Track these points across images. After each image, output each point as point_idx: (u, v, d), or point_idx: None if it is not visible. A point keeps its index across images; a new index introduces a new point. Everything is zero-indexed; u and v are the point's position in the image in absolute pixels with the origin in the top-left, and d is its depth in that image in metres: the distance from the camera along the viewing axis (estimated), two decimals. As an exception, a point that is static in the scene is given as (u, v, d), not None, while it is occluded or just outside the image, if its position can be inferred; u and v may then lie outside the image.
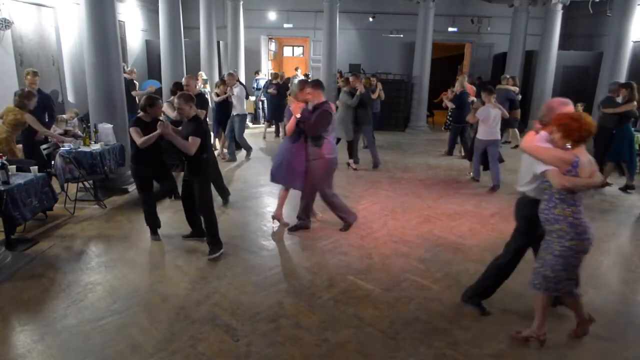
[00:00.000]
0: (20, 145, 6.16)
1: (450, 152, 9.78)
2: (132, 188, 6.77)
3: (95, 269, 4.31)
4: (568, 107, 3.29)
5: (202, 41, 12.34)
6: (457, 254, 4.80)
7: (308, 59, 16.23)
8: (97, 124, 6.41)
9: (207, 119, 6.56)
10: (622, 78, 9.72)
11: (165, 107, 5.98)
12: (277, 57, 18.69)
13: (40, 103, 6.30)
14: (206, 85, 10.72)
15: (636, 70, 10.78)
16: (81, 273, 4.21)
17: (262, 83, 13.39)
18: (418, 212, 6.09)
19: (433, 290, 4.04)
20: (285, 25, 14.98)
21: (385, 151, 9.74)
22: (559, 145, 3.02)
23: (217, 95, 8.76)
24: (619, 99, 7.21)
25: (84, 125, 6.69)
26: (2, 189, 4.38)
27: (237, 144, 9.10)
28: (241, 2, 13.42)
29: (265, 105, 12.61)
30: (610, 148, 7.21)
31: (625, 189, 7.34)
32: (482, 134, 7.35)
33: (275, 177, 5.26)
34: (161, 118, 4.85)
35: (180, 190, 4.90)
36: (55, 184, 5.63)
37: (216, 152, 8.28)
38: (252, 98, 13.20)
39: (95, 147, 6.11)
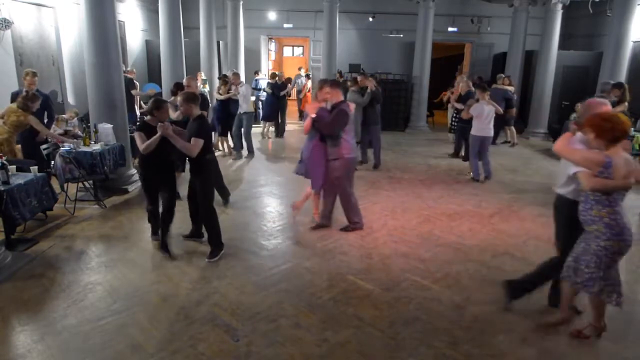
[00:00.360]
0: (19, 145, 6.17)
1: (457, 154, 9.59)
2: (132, 188, 6.78)
3: (95, 269, 4.31)
4: (605, 107, 3.26)
5: (202, 41, 12.34)
6: (457, 254, 4.80)
7: (308, 59, 16.23)
8: (97, 124, 6.41)
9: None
10: (622, 78, 9.72)
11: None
12: (277, 57, 18.70)
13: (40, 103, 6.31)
14: (205, 85, 10.73)
15: (636, 70, 10.77)
16: (81, 273, 4.21)
17: (261, 83, 13.42)
18: (418, 212, 6.09)
19: (433, 290, 4.04)
20: (285, 25, 14.98)
21: (385, 151, 9.73)
22: (593, 145, 3.00)
23: (220, 94, 8.85)
24: (612, 99, 7.25)
25: (84, 125, 6.70)
26: (2, 189, 4.38)
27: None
28: (241, 2, 13.42)
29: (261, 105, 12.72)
30: None
31: None
32: (476, 130, 7.63)
33: (299, 171, 5.37)
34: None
35: (179, 191, 4.89)
36: (55, 184, 5.63)
37: (217, 152, 8.29)
38: (252, 98, 13.19)
39: (95, 147, 6.11)
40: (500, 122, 10.89)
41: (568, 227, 3.39)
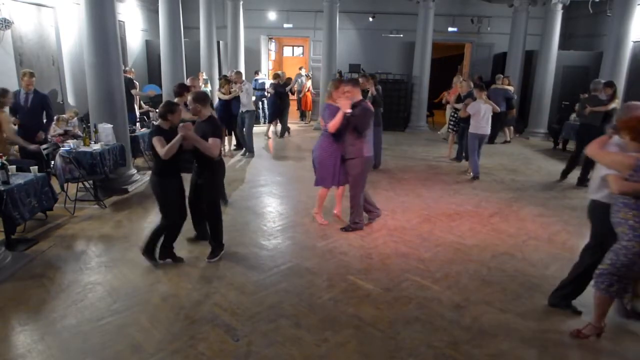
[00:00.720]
0: (17, 146, 6.18)
1: (459, 158, 9.09)
2: (132, 188, 6.78)
3: (95, 269, 4.31)
4: None
5: (202, 41, 12.34)
6: (457, 254, 4.80)
7: (308, 59, 16.22)
8: (97, 124, 6.41)
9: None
10: (622, 78, 9.72)
11: None
12: (277, 57, 18.70)
13: (38, 103, 6.34)
14: (207, 85, 10.74)
15: (636, 70, 10.77)
16: (81, 273, 4.21)
17: (262, 83, 13.43)
18: (418, 212, 6.09)
19: (433, 290, 4.04)
20: (285, 25, 14.97)
21: (385, 151, 9.71)
22: (629, 149, 2.98)
23: (223, 94, 8.88)
24: (603, 98, 7.36)
25: (84, 125, 6.70)
26: (2, 189, 4.38)
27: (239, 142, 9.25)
28: (241, 2, 13.42)
29: (266, 105, 12.80)
30: None
31: (581, 180, 7.47)
32: (473, 128, 7.76)
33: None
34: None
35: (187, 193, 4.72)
36: (55, 184, 5.63)
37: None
38: (253, 98, 13.20)
39: (95, 147, 6.11)
40: (500, 123, 10.96)
41: (601, 231, 3.36)
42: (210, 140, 4.16)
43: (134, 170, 7.20)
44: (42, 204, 5.00)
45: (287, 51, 19.68)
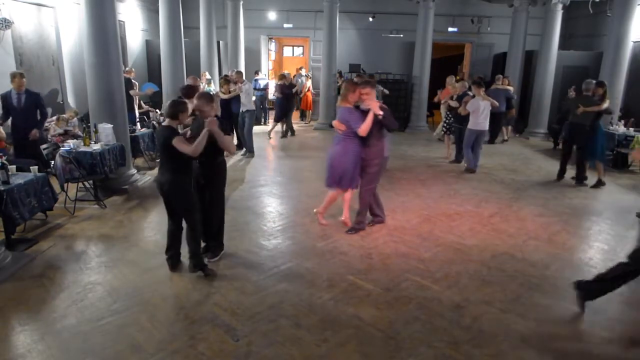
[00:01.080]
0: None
1: (459, 159, 8.99)
2: (132, 188, 6.77)
3: (95, 269, 4.31)
4: None
5: (202, 41, 12.34)
6: (457, 254, 4.80)
7: (308, 59, 16.22)
8: (97, 124, 6.41)
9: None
10: (622, 78, 9.73)
11: None
12: (277, 57, 18.70)
13: (31, 103, 6.36)
14: (210, 85, 10.75)
15: (636, 70, 10.77)
16: (81, 273, 4.21)
17: (261, 83, 13.45)
18: (418, 212, 6.09)
19: (433, 290, 4.04)
20: (285, 25, 14.97)
21: (385, 151, 9.74)
22: None
23: (223, 94, 8.89)
24: (595, 98, 7.42)
25: (84, 125, 6.70)
26: (2, 189, 4.38)
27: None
28: (241, 2, 13.42)
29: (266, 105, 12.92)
30: (588, 145, 7.45)
31: (578, 179, 7.67)
32: (472, 125, 7.96)
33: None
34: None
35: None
36: (55, 184, 5.63)
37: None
38: (253, 98, 13.21)
39: (95, 147, 6.11)
40: (501, 123, 10.98)
41: None
42: (226, 138, 4.22)
43: (134, 170, 7.20)
44: (42, 204, 5.00)
45: (287, 51, 19.66)
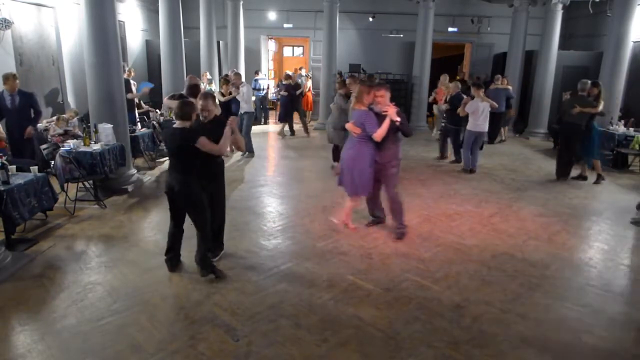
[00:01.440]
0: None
1: (458, 159, 8.99)
2: (132, 188, 6.77)
3: (95, 269, 4.31)
4: None
5: (202, 41, 12.34)
6: (457, 254, 4.80)
7: (308, 59, 16.22)
8: (97, 124, 6.41)
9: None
10: (622, 78, 9.72)
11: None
12: (277, 57, 18.70)
13: (26, 102, 6.38)
14: (211, 85, 10.75)
15: (636, 70, 10.77)
16: (81, 273, 4.21)
17: (261, 83, 13.45)
18: (418, 212, 6.08)
19: (433, 290, 4.04)
20: (285, 25, 14.97)
21: (385, 151, 9.73)
22: None
23: (222, 95, 8.84)
24: (591, 98, 7.48)
25: (84, 125, 6.70)
26: (2, 189, 4.38)
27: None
28: (241, 2, 13.42)
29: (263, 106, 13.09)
30: (583, 145, 7.57)
31: (580, 177, 7.83)
32: (471, 126, 7.99)
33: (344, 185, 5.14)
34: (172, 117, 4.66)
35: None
36: (55, 184, 5.63)
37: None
38: (252, 98, 13.23)
39: (95, 147, 6.11)
40: (500, 123, 10.98)
41: None
42: (239, 137, 4.30)
43: (134, 170, 7.20)
44: (42, 204, 5.00)
45: (287, 51, 19.66)
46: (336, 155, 7.86)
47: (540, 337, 3.39)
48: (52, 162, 5.93)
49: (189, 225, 4.14)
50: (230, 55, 13.58)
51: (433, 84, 13.26)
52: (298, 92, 11.66)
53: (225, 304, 3.72)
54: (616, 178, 8.20)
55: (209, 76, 11.00)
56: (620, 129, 8.89)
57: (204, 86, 9.41)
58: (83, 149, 6.05)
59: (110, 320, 3.47)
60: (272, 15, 14.90)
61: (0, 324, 3.40)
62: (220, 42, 13.28)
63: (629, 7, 9.45)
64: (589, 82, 7.60)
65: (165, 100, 6.50)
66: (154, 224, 5.56)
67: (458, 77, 15.13)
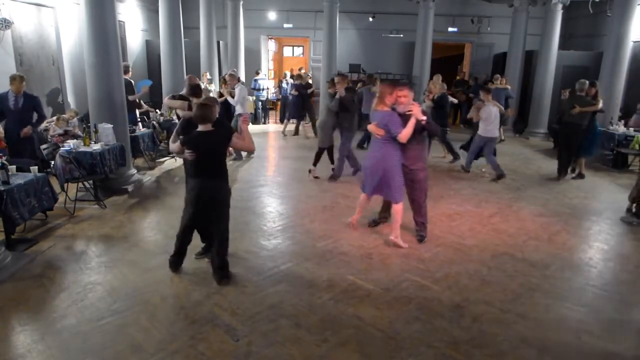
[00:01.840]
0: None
1: (456, 156, 9.07)
2: (132, 188, 6.77)
3: (95, 269, 4.31)
4: None
5: (202, 41, 12.35)
6: (457, 254, 4.80)
7: (308, 59, 16.23)
8: (97, 124, 6.41)
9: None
10: (622, 78, 9.73)
11: (179, 105, 5.62)
12: (277, 57, 18.71)
13: (30, 105, 6.32)
14: (211, 85, 10.75)
15: (636, 70, 10.77)
16: (81, 273, 4.21)
17: (261, 83, 13.45)
18: (418, 212, 6.07)
19: (433, 290, 4.04)
20: (285, 25, 14.98)
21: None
22: None
23: (221, 95, 8.84)
24: (589, 97, 7.54)
25: (84, 125, 6.69)
26: (2, 189, 4.38)
27: None
28: (241, 2, 13.42)
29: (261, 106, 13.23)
30: (583, 144, 7.65)
31: (561, 173, 7.95)
32: (483, 131, 7.83)
33: (374, 189, 4.94)
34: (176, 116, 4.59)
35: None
36: (55, 184, 5.63)
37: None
38: (252, 98, 13.24)
39: (95, 147, 6.11)
40: (500, 123, 10.97)
41: None
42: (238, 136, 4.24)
43: (134, 170, 7.21)
44: (42, 204, 5.00)
45: (287, 51, 19.67)
46: (317, 160, 7.56)
47: (540, 337, 3.39)
48: (52, 162, 5.94)
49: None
50: (230, 55, 13.59)
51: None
52: (309, 91, 11.66)
53: (225, 304, 3.72)
54: (616, 178, 8.20)
55: (209, 76, 10.99)
56: (620, 129, 8.90)
57: (204, 86, 9.39)
58: (83, 149, 6.04)
59: (110, 320, 3.47)
60: (272, 15, 14.91)
61: (0, 324, 3.40)
62: (220, 42, 13.28)
63: (629, 7, 9.45)
64: (587, 82, 7.64)
65: (165, 100, 6.50)
66: (154, 224, 5.57)
67: (458, 77, 15.15)
